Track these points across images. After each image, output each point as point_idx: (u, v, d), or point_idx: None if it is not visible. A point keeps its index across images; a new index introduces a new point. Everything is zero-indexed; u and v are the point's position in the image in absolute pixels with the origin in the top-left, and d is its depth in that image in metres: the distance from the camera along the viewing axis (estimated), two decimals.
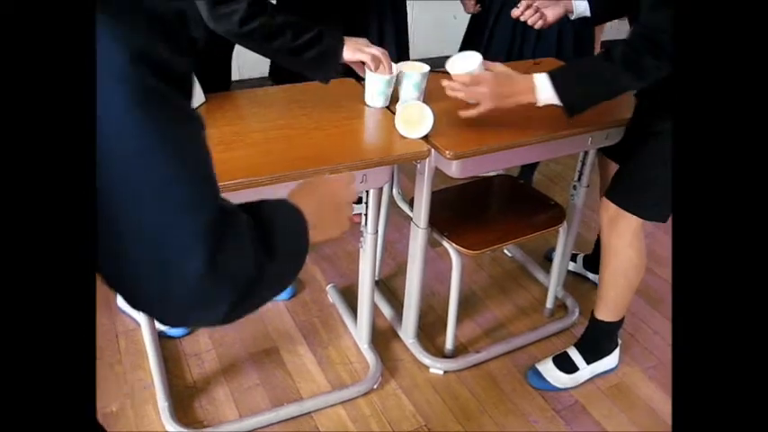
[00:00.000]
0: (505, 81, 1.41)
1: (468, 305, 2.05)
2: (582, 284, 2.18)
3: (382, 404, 1.69)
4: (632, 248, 1.61)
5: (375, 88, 1.53)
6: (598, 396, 1.76)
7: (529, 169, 2.62)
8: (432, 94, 1.58)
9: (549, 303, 2.02)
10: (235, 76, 3.40)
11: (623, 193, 1.59)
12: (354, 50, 1.44)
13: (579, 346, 1.80)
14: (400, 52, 2.15)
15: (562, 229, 1.84)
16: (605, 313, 1.73)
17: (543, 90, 1.37)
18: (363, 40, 1.48)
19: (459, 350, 1.87)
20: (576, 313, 2.01)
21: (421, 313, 1.85)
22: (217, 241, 0.54)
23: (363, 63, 1.47)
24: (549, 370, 1.77)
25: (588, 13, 1.64)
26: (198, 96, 1.46)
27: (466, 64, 1.43)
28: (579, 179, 1.87)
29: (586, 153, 1.81)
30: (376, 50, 1.46)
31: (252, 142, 1.34)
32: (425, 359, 1.81)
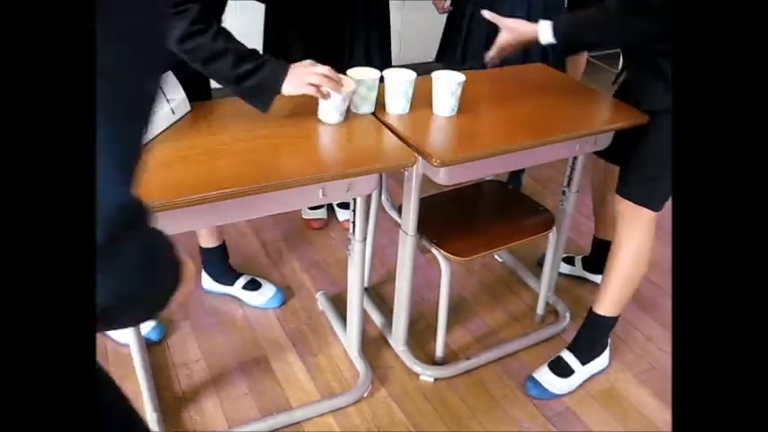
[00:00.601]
0: (516, 24, 1.61)
1: (458, 311, 2.04)
2: (573, 290, 2.17)
3: (372, 412, 1.68)
4: (646, 238, 1.65)
5: (330, 104, 1.46)
6: (589, 402, 1.75)
7: (518, 173, 2.62)
8: (419, 99, 1.57)
9: (540, 309, 2.01)
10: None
11: (635, 187, 1.62)
12: (297, 85, 1.36)
13: (573, 348, 1.81)
14: (384, 60, 2.17)
15: (552, 235, 1.83)
16: (606, 307, 1.75)
17: (544, 30, 1.52)
18: (308, 63, 1.39)
19: (450, 357, 1.86)
20: (567, 319, 2.01)
21: (411, 320, 1.84)
22: (118, 229, 0.51)
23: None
24: (544, 375, 1.78)
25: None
26: (182, 106, 1.45)
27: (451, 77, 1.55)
28: (569, 184, 1.87)
29: (575, 158, 1.81)
30: (319, 78, 1.36)
31: (237, 151, 1.32)
32: (416, 366, 1.80)
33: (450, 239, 1.68)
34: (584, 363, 1.79)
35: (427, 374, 1.78)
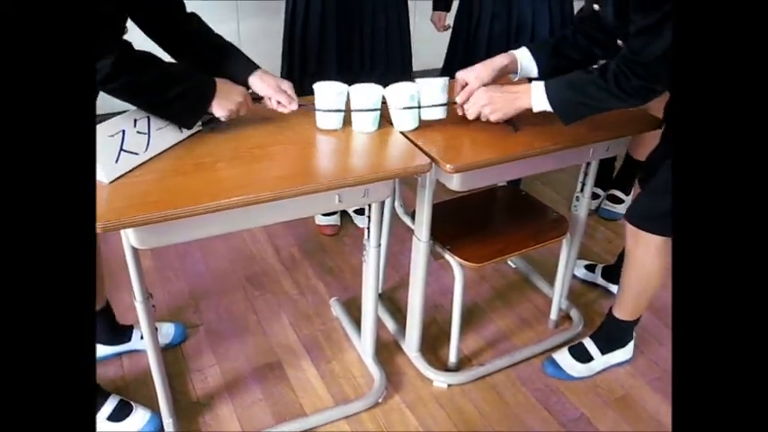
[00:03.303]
0: (501, 89, 1.48)
1: (471, 317, 2.04)
2: (587, 295, 2.17)
3: (386, 419, 1.68)
4: (656, 259, 1.62)
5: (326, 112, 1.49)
6: (603, 409, 1.74)
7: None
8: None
9: (554, 315, 2.01)
10: None
11: (641, 214, 1.61)
12: (224, 108, 1.38)
13: (595, 337, 1.86)
14: (405, 70, 2.21)
15: (565, 241, 1.83)
16: (623, 313, 1.79)
17: (538, 98, 1.43)
18: (230, 87, 1.41)
19: (463, 363, 1.86)
20: (581, 324, 2.00)
21: (424, 326, 1.84)
22: None
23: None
24: (564, 359, 1.83)
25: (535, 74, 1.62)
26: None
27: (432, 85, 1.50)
28: (582, 190, 1.86)
29: (589, 164, 1.81)
30: (241, 102, 1.41)
31: (252, 158, 1.34)
32: (429, 373, 1.80)
33: (464, 245, 1.68)
34: (603, 352, 1.84)
35: (440, 381, 1.78)
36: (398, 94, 1.47)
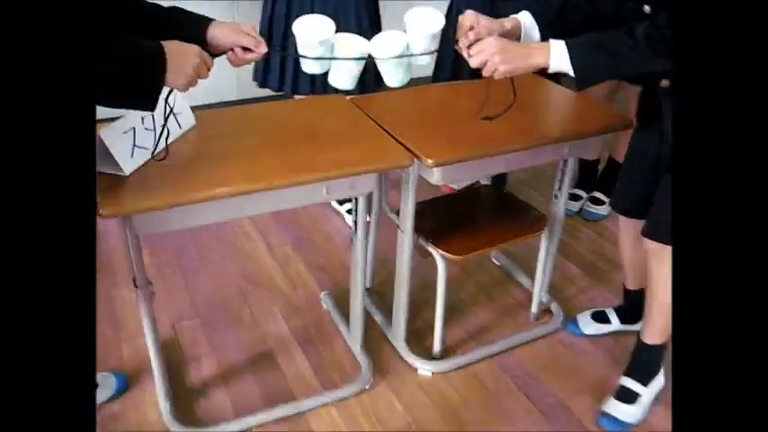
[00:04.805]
0: (514, 42, 1.40)
1: (455, 311, 2.13)
2: (566, 290, 2.25)
3: (372, 404, 1.76)
4: None
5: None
6: (580, 394, 1.82)
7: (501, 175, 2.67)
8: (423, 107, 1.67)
9: (534, 308, 2.10)
10: (232, 96, 3.51)
11: (659, 228, 1.54)
12: (180, 77, 1.20)
13: (630, 374, 1.77)
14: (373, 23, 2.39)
15: (544, 236, 1.92)
16: (654, 337, 1.72)
17: (558, 56, 1.35)
18: (181, 50, 1.21)
19: (447, 353, 1.95)
20: (561, 317, 2.09)
21: (410, 319, 1.93)
22: None
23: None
24: (614, 407, 1.74)
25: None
26: (188, 120, 1.53)
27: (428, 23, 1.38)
28: (560, 188, 1.96)
29: (566, 162, 1.90)
30: (198, 59, 1.22)
31: (246, 156, 1.43)
32: (414, 361, 1.88)
33: (446, 239, 1.78)
34: (645, 384, 1.75)
35: (425, 369, 1.87)
36: (388, 45, 1.38)
